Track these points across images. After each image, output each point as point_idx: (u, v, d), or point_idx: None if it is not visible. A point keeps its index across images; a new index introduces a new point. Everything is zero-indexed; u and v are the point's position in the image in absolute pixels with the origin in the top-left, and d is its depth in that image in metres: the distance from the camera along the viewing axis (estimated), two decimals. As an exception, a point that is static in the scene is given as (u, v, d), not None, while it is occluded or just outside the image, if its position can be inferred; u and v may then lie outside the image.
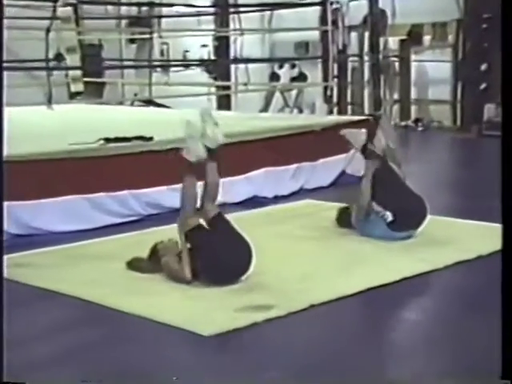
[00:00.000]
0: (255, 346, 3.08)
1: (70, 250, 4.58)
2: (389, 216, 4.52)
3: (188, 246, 3.80)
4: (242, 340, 3.14)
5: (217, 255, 3.73)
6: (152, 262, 4.01)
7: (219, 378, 2.81)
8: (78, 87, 9.10)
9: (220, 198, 5.80)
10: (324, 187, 6.66)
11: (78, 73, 9.16)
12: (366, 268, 4.08)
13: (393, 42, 11.48)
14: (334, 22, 8.64)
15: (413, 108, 11.90)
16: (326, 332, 3.29)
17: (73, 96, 9.12)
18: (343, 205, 5.05)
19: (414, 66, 11.75)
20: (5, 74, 2.02)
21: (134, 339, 3.19)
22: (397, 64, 11.90)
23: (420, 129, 11.47)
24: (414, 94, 11.86)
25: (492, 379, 2.29)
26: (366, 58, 9.69)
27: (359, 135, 4.73)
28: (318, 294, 3.63)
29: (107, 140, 5.53)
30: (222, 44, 11.84)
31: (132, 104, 11.24)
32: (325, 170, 6.71)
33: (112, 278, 3.97)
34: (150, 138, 5.70)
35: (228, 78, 11.62)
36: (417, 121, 11.62)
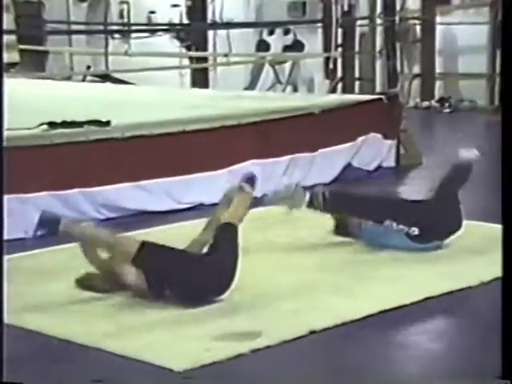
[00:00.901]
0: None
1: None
2: (415, 231, 4.60)
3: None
4: (222, 377, 3.16)
5: (189, 264, 3.87)
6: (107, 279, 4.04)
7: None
8: (11, 57, 9.09)
9: (195, 198, 5.93)
10: (325, 184, 6.70)
11: (12, 38, 9.15)
12: (376, 285, 4.13)
13: (413, 1, 11.54)
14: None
15: (437, 84, 11.96)
16: (330, 367, 3.31)
17: (6, 68, 9.12)
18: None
19: (439, 30, 11.80)
20: None
21: (89, 377, 3.21)
22: (418, 28, 11.96)
23: (447, 110, 11.55)
24: (439, 67, 11.93)
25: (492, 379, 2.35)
26: (378, 21, 9.73)
27: None
28: (317, 317, 3.67)
29: (51, 125, 5.55)
30: (196, 3, 11.86)
31: (83, 79, 11.24)
32: (326, 162, 6.75)
33: (58, 300, 3.99)
34: (107, 123, 5.72)
35: (205, 48, 11.65)
36: (442, 100, 11.69)
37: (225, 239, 3.99)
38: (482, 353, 3.32)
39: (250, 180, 4.42)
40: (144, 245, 3.92)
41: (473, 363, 3.28)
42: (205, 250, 4.09)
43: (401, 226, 4.63)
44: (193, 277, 3.87)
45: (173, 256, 3.97)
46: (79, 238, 4.04)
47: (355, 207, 4.79)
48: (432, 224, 4.67)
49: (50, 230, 4.00)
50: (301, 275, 4.27)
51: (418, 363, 3.39)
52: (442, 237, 4.72)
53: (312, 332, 3.51)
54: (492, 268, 4.26)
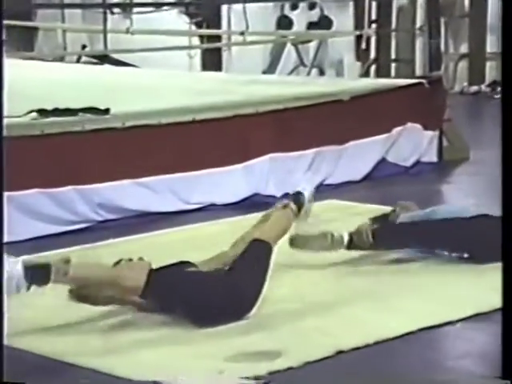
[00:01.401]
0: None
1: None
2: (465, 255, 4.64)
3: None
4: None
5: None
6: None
7: None
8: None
9: (205, 198, 5.95)
10: (354, 182, 6.72)
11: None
12: (414, 299, 4.14)
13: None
14: None
15: (488, 66, 11.92)
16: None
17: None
18: (382, 209, 5.09)
19: (491, 2, 11.75)
20: None
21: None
22: (466, 0, 11.93)
23: (498, 96, 11.52)
24: (490, 46, 11.89)
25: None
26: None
27: None
28: (345, 335, 3.68)
29: (42, 112, 5.58)
30: (208, -27, 11.89)
31: (78, 60, 11.31)
32: (356, 156, 6.77)
33: (51, 313, 4.02)
34: (106, 111, 5.76)
35: (218, 25, 11.67)
36: (494, 84, 11.65)
37: (252, 257, 3.97)
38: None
39: (297, 197, 4.38)
40: (151, 275, 3.86)
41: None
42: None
43: (453, 254, 4.65)
44: (208, 300, 3.85)
45: (186, 280, 3.93)
46: (73, 282, 3.94)
47: (407, 240, 4.76)
48: (485, 245, 4.66)
49: (41, 281, 3.87)
50: (330, 288, 4.28)
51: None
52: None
53: (339, 352, 3.52)
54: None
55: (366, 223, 4.81)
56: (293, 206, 4.37)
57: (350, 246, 4.63)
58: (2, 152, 2.12)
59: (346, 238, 4.63)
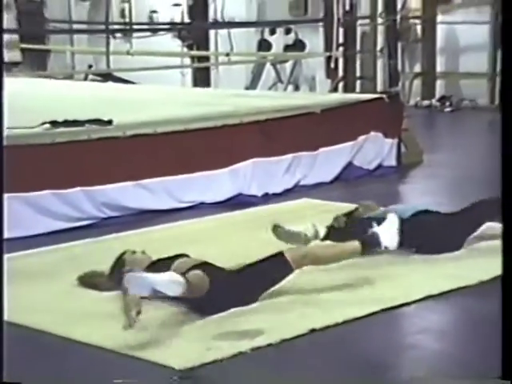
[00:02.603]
0: (238, 383, 3.11)
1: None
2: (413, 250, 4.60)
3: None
4: (222, 375, 3.17)
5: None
6: (114, 277, 4.00)
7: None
8: (14, 56, 9.08)
9: (196, 197, 5.93)
10: (326, 183, 6.70)
11: (14, 37, 9.15)
12: (377, 285, 4.12)
13: (414, 0, 11.54)
14: (340, -25, 8.69)
15: (438, 83, 11.96)
16: (330, 364, 3.32)
17: (8, 67, 9.12)
18: (349, 206, 5.07)
19: (440, 29, 11.80)
20: None
21: (87, 375, 3.21)
22: (419, 27, 11.96)
23: (448, 109, 11.55)
24: (440, 66, 11.93)
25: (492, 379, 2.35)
26: (379, 20, 9.73)
27: None
28: (318, 316, 3.66)
29: (54, 123, 5.54)
30: (198, 2, 11.85)
31: (85, 78, 11.24)
32: (327, 161, 6.75)
33: (60, 298, 3.99)
34: (109, 122, 5.72)
35: (206, 47, 11.64)
36: (443, 99, 11.70)
37: (269, 266, 3.84)
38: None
39: (372, 239, 4.09)
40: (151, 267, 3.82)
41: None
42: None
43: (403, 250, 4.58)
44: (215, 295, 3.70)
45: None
46: None
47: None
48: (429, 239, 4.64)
49: None
50: (306, 276, 4.26)
51: (413, 357, 3.39)
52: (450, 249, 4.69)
53: (312, 330, 3.50)
54: (491, 268, 4.29)
55: (342, 219, 4.79)
56: (362, 248, 4.04)
57: (326, 238, 4.61)
58: (2, 153, 2.04)
59: (321, 234, 4.61)
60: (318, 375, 3.20)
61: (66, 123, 5.59)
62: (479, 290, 4.04)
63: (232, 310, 3.72)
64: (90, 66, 12.28)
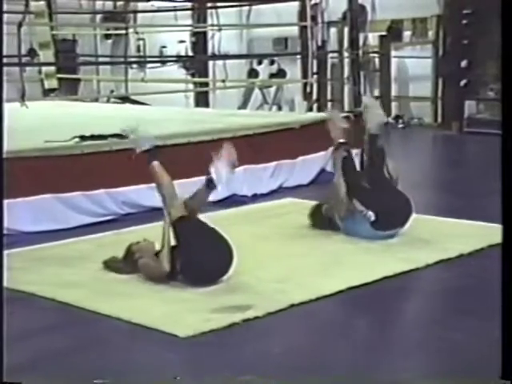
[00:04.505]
0: (232, 348, 3.08)
1: (43, 250, 4.54)
2: (371, 216, 4.54)
3: (171, 242, 3.77)
4: (219, 341, 3.14)
5: (199, 253, 3.73)
6: (127, 264, 4.00)
7: (195, 380, 2.81)
8: (52, 84, 9.01)
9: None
10: (304, 185, 6.68)
11: (52, 69, 9.09)
12: (345, 268, 4.10)
13: (373, 38, 11.53)
14: (314, 18, 8.66)
15: (393, 105, 11.97)
16: (306, 332, 3.30)
17: (47, 93, 9.04)
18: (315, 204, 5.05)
19: (394, 62, 11.81)
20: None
21: (109, 341, 3.19)
22: (377, 60, 11.96)
23: (400, 126, 11.55)
24: (394, 91, 11.93)
25: (492, 379, 2.29)
26: (345, 54, 9.72)
27: (339, 123, 4.82)
28: (297, 294, 3.64)
29: (82, 138, 5.50)
30: (199, 40, 11.83)
31: (108, 101, 11.18)
32: (304, 167, 6.72)
33: (87, 279, 3.95)
34: (127, 136, 5.66)
35: (206, 75, 11.60)
36: (397, 117, 11.70)
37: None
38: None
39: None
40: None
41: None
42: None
43: (361, 207, 4.54)
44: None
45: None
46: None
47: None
48: (386, 211, 4.57)
49: None
50: (288, 262, 4.24)
51: (377, 327, 3.36)
52: (397, 224, 4.63)
53: (291, 305, 3.48)
54: (435, 254, 4.28)
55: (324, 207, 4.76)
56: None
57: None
58: (2, 156, 1.98)
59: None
60: (295, 340, 3.18)
61: (92, 137, 5.55)
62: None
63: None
64: (112, 91, 12.20)
